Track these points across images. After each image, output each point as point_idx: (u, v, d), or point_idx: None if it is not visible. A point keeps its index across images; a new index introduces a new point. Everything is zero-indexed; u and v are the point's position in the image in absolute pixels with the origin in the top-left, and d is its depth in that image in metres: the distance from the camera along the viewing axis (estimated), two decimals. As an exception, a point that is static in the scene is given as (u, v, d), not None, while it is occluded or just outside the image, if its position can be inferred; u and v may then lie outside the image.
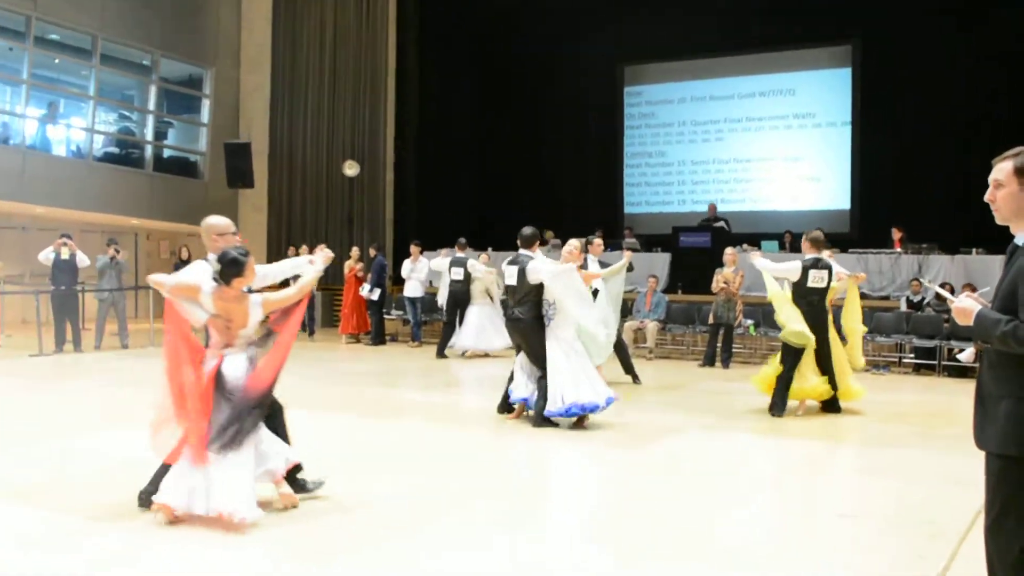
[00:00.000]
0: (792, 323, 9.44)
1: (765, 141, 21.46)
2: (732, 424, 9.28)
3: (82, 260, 16.12)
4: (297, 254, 18.20)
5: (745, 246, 16.74)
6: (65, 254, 15.88)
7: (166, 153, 24.05)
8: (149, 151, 22.89)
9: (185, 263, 17.58)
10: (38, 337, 15.48)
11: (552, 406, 8.49)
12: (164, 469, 5.73)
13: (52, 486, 6.58)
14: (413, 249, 17.66)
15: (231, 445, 5.45)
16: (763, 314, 14.63)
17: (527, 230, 9.00)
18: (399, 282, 18.65)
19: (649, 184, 22.89)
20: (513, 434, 8.58)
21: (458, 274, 15.87)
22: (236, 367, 5.61)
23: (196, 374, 5.49)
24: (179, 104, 24.38)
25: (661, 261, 17.96)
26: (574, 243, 9.17)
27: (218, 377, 5.54)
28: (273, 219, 24.12)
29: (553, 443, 8.22)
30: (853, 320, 10.10)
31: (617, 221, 22.32)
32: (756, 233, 18.77)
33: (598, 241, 11.54)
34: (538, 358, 8.64)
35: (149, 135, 22.97)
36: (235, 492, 5.42)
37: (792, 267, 9.71)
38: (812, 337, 9.44)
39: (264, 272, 6.06)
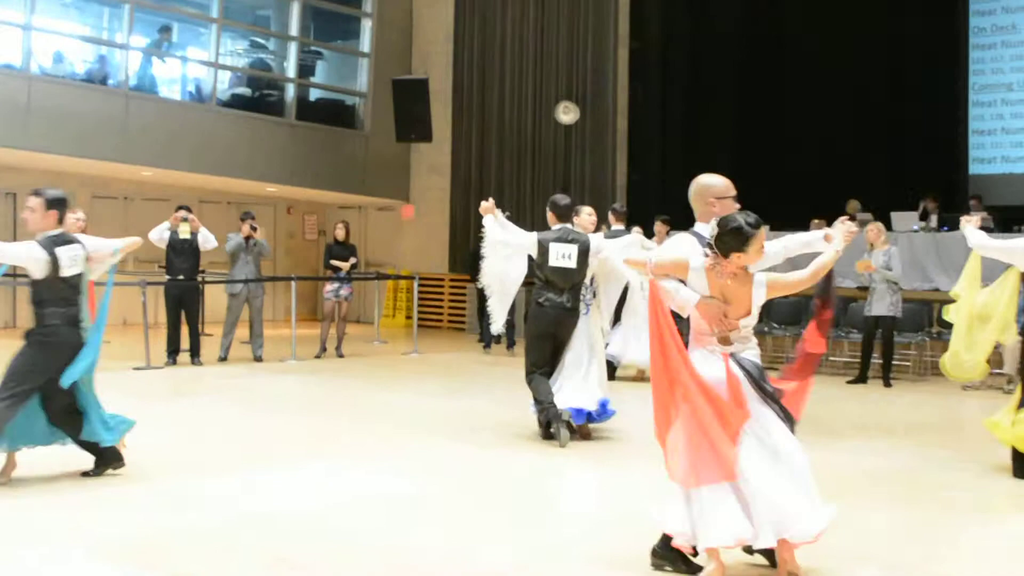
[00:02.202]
0: None
1: None
2: None
3: (207, 240, 16.57)
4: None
5: None
6: (184, 232, 16.37)
7: (313, 95, 24.61)
8: (291, 92, 23.53)
9: (342, 244, 17.93)
10: (145, 344, 16.13)
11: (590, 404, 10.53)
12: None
13: (159, 541, 6.79)
14: (658, 227, 17.41)
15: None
16: None
17: (564, 198, 10.91)
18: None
19: (1008, 131, 22.06)
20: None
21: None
22: (752, 362, 6.14)
23: (693, 377, 6.01)
24: (331, 28, 25.06)
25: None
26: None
27: (745, 371, 6.05)
28: (458, 187, 24.44)
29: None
30: None
31: (957, 186, 21.75)
32: None
33: (587, 211, 11.46)
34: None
35: (291, 71, 23.63)
36: (795, 507, 5.90)
37: None
38: None
39: (768, 251, 6.46)
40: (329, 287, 18.22)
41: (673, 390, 6.08)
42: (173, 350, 16.42)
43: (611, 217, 15.90)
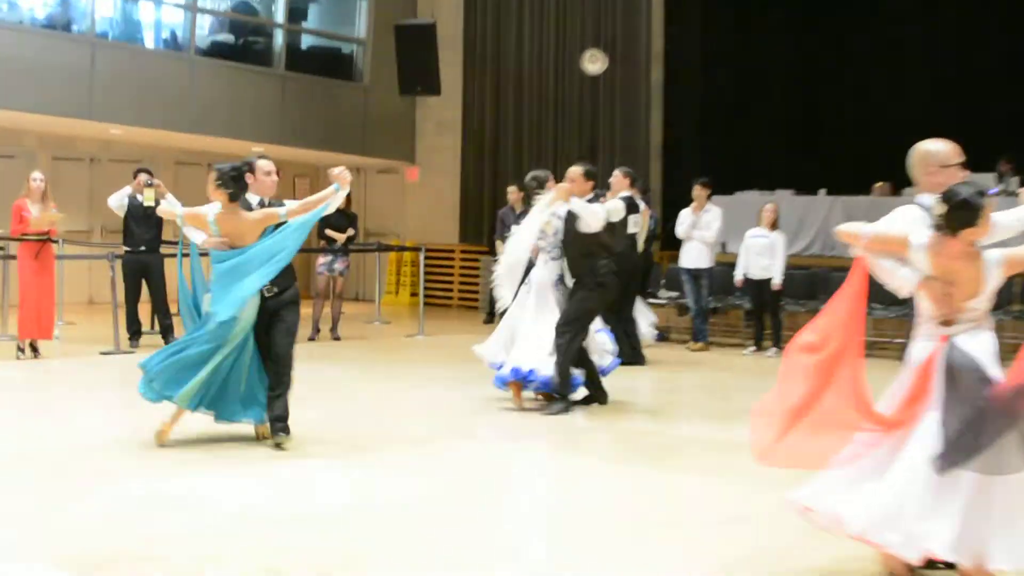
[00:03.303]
0: None
1: None
2: None
3: (172, 208, 16.49)
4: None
5: None
6: (149, 199, 16.07)
7: (305, 42, 24.55)
8: (280, 39, 23.52)
9: (340, 213, 17.88)
10: (113, 325, 16.14)
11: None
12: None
13: (132, 551, 6.79)
14: (697, 191, 17.35)
15: (961, 461, 5.96)
16: None
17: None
18: (672, 245, 18.54)
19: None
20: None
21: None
22: (975, 351, 6.17)
23: (853, 366, 6.32)
24: (324, -35, 24.97)
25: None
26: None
27: (948, 366, 6.14)
28: (471, 145, 24.47)
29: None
30: None
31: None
32: None
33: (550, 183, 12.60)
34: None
35: (279, 15, 23.59)
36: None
37: None
38: None
39: (998, 222, 6.56)
40: (322, 260, 18.20)
41: (830, 379, 6.33)
42: (135, 332, 16.42)
43: (617, 179, 15.58)
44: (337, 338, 17.98)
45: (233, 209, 9.67)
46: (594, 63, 21.80)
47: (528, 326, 12.00)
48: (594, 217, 11.74)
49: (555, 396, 11.80)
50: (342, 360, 15.96)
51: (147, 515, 7.61)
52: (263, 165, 10.19)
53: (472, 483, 8.99)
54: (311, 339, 17.63)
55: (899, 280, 6.34)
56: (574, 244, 11.80)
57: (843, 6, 23.19)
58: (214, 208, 9.72)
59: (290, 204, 10.04)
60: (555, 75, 23.31)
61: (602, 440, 10.88)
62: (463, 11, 24.35)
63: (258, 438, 9.95)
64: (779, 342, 17.10)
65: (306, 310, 18.46)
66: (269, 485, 8.57)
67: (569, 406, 11.78)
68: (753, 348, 17.41)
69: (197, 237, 10.01)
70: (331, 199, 10.06)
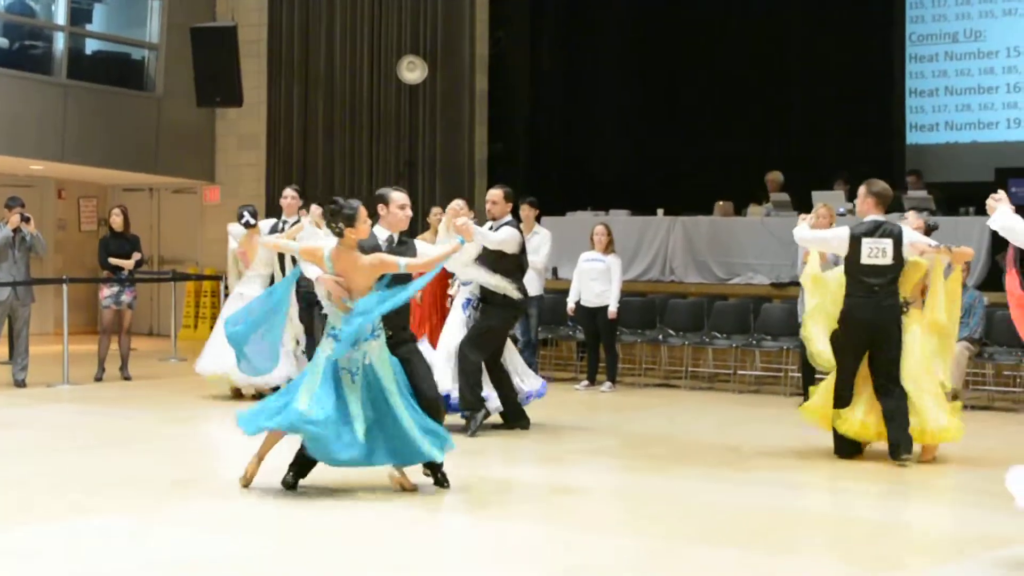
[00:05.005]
0: None
1: None
2: None
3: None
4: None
5: None
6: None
7: (90, 47, 24.17)
8: (61, 44, 22.95)
9: (121, 236, 17.54)
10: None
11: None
12: None
13: None
14: (525, 211, 17.41)
15: None
16: None
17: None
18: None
19: (953, 92, 22.47)
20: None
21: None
22: None
23: None
24: (110, -38, 24.58)
25: (973, 230, 17.50)
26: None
27: None
28: (277, 161, 24.26)
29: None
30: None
31: (891, 158, 22.24)
32: None
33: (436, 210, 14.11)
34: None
35: (60, 16, 23.05)
36: None
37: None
38: None
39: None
40: (107, 292, 17.59)
41: None
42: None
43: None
44: (127, 378, 17.50)
45: (348, 246, 9.85)
46: (412, 71, 21.69)
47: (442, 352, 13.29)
48: (513, 240, 12.97)
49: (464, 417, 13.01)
50: (133, 404, 15.65)
51: None
52: (397, 198, 10.46)
53: (305, 538, 8.83)
54: (97, 380, 17.30)
55: None
56: (494, 267, 12.79)
57: (675, 14, 23.60)
58: (329, 244, 9.99)
59: (412, 257, 10.25)
60: (370, 85, 23.10)
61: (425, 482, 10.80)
62: (267, 13, 23.98)
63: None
64: (614, 376, 17.19)
65: (93, 347, 18.29)
66: (46, 546, 8.09)
67: (484, 414, 13.15)
68: (587, 383, 17.35)
69: (311, 272, 10.23)
70: (457, 254, 10.79)
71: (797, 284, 15.86)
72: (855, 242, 11.83)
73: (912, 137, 22.72)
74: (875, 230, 11.81)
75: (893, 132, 22.79)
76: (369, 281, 9.89)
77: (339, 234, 9.81)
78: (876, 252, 11.76)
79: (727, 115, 23.22)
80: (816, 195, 17.65)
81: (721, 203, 19.83)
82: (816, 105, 22.85)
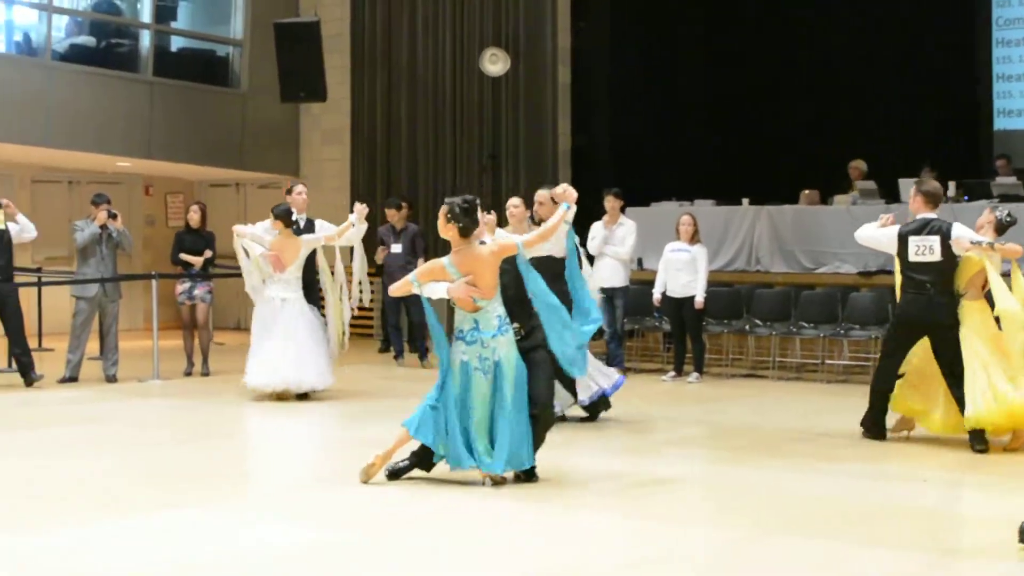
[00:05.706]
0: None
1: None
2: None
3: (24, 230, 16.52)
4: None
5: None
6: (-2, 222, 16.07)
7: (175, 44, 24.33)
8: (146, 42, 23.16)
9: (196, 233, 17.61)
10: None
11: None
12: None
13: None
14: (610, 203, 17.38)
15: None
16: None
17: None
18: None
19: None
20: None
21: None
22: None
23: None
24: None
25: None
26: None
27: None
28: (361, 156, 24.32)
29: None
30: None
31: (978, 144, 22.10)
32: None
33: (490, 218, 11.93)
34: None
35: (146, 15, 23.28)
36: None
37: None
38: None
39: None
40: (180, 288, 17.83)
41: None
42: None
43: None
44: (206, 373, 17.65)
45: (467, 245, 9.79)
46: (495, 63, 21.68)
47: None
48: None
49: None
50: (218, 398, 15.73)
51: None
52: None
53: (382, 529, 8.92)
54: (187, 374, 17.47)
55: None
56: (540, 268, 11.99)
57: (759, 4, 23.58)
58: (445, 257, 9.84)
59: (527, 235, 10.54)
60: (452, 77, 23.11)
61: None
62: (349, 8, 24.08)
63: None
64: (701, 367, 17.14)
65: (181, 343, 18.41)
66: (140, 538, 8.33)
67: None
68: (673, 374, 17.36)
69: (438, 290, 9.88)
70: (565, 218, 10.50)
71: (886, 272, 15.80)
72: (903, 241, 12.13)
73: (1000, 123, 22.51)
74: (923, 228, 12.07)
75: (980, 118, 22.58)
76: (494, 271, 9.76)
77: (467, 233, 9.75)
78: (923, 250, 12.00)
79: (812, 103, 23.18)
80: (903, 183, 17.50)
81: (807, 192, 19.70)
82: (901, 92, 22.71)
